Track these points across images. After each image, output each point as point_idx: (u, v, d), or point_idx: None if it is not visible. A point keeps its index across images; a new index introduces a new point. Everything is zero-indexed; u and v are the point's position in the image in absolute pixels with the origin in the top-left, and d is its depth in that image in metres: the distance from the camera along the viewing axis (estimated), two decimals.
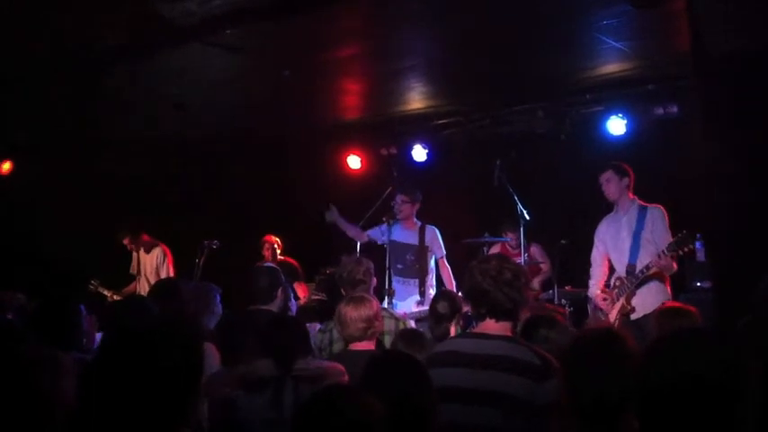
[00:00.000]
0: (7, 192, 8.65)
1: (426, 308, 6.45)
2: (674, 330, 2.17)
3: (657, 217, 5.74)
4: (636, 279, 5.59)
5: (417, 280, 7.04)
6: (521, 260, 6.78)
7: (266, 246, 8.39)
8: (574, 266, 8.09)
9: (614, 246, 5.90)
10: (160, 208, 8.91)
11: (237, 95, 7.92)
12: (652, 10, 5.35)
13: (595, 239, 6.12)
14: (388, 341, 4.57)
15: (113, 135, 8.78)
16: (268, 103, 8.18)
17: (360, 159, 9.87)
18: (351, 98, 8.59)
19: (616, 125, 7.96)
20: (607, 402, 2.30)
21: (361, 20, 6.23)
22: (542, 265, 7.95)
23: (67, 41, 6.24)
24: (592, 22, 6.10)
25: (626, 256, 5.73)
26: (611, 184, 5.88)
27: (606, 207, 8.04)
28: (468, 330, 4.18)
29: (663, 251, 5.46)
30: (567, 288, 7.76)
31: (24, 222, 8.54)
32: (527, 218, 6.93)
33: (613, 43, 6.53)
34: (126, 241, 8.33)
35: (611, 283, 5.87)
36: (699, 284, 6.61)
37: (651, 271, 5.56)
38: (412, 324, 6.10)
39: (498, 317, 3.12)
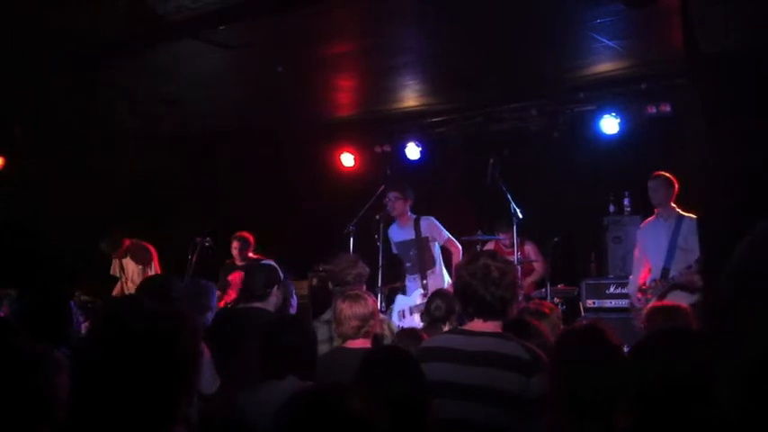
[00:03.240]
0: (2, 188, 8.61)
1: (427, 292, 6.60)
2: (661, 330, 2.18)
3: (693, 227, 6.01)
4: (668, 283, 6.00)
5: (424, 273, 7.05)
6: (514, 258, 6.79)
7: (233, 244, 8.07)
8: (566, 265, 8.12)
9: (653, 249, 6.26)
10: (154, 205, 8.89)
11: (230, 92, 7.91)
12: (644, 9, 5.35)
13: (637, 241, 6.53)
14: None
15: (108, 132, 8.76)
16: (262, 99, 8.17)
17: (353, 157, 9.87)
18: (345, 95, 8.58)
19: (609, 124, 7.98)
20: (600, 397, 2.30)
21: (356, 16, 6.22)
22: (536, 264, 7.95)
23: (63, 39, 6.22)
24: (585, 21, 6.11)
25: (662, 260, 6.11)
26: (659, 192, 6.20)
27: (598, 206, 8.10)
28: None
29: (686, 269, 5.88)
30: (560, 286, 7.78)
31: (20, 219, 8.50)
32: (520, 216, 6.93)
33: (607, 42, 6.53)
34: (114, 256, 8.22)
35: (648, 283, 6.24)
36: None
37: (677, 282, 5.97)
38: (416, 318, 6.13)
39: (486, 317, 3.11)
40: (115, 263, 8.31)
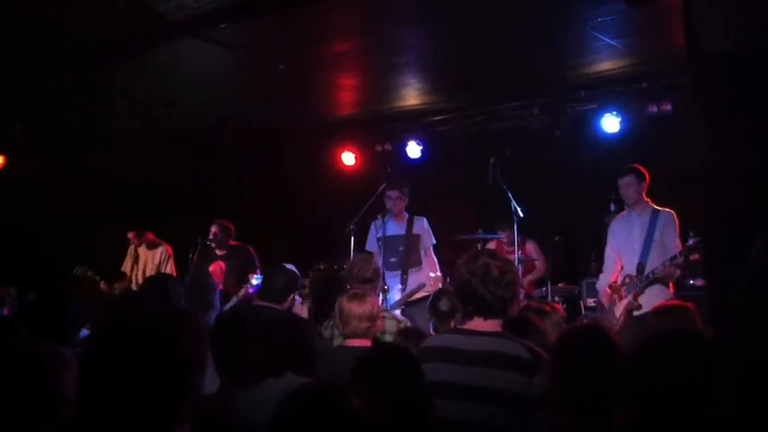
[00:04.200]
0: (2, 188, 8.62)
1: (406, 288, 6.70)
2: (662, 330, 2.18)
3: (669, 222, 5.92)
4: (645, 279, 5.80)
5: (406, 269, 7.07)
6: (515, 257, 6.78)
7: (212, 230, 7.65)
8: (567, 263, 8.12)
9: (626, 245, 6.08)
10: (154, 205, 8.89)
11: (232, 91, 7.91)
12: (645, 7, 5.34)
13: (609, 237, 6.33)
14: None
15: (108, 132, 8.77)
16: (262, 99, 8.17)
17: (354, 156, 9.87)
18: (346, 94, 8.57)
19: (610, 123, 7.97)
20: (600, 396, 2.30)
21: (356, 16, 6.22)
22: (537, 263, 7.95)
23: (63, 39, 6.22)
24: (587, 20, 6.10)
25: (637, 256, 5.92)
26: (631, 188, 6.02)
27: (599, 205, 8.09)
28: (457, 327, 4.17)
29: (668, 261, 5.68)
30: (560, 285, 7.77)
31: (20, 219, 8.51)
32: (521, 215, 6.92)
33: (608, 41, 6.53)
34: (131, 236, 8.26)
35: (621, 280, 6.06)
36: (692, 282, 6.65)
37: (657, 275, 5.77)
38: (397, 313, 6.15)
39: (486, 315, 3.10)
40: (129, 255, 8.34)
